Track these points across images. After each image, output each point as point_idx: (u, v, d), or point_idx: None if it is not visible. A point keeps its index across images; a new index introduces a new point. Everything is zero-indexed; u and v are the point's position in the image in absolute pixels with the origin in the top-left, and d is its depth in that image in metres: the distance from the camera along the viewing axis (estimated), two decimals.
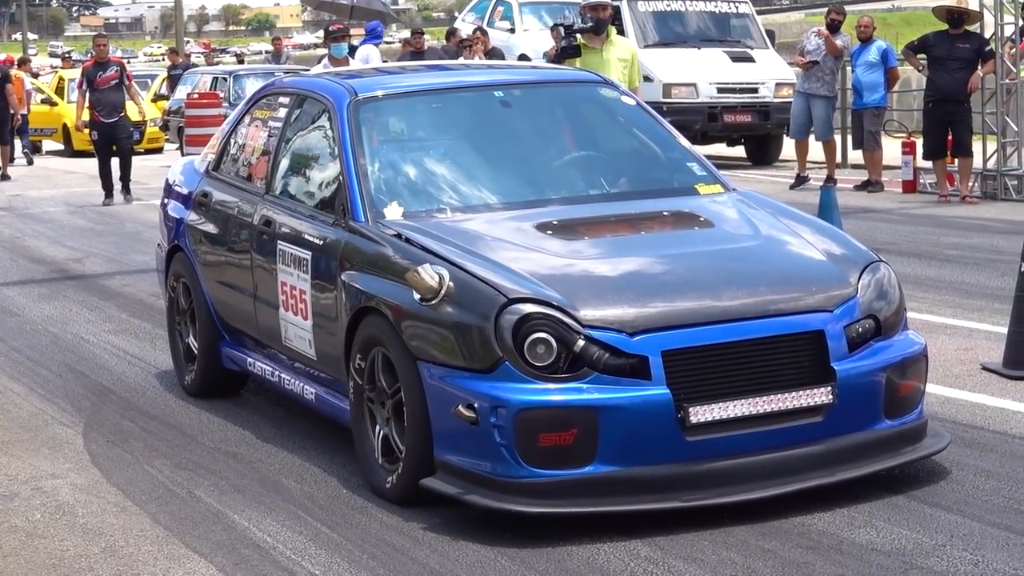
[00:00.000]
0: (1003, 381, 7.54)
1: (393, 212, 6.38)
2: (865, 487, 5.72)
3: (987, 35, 16.26)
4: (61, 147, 28.80)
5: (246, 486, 6.30)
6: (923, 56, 16.21)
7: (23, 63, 31.53)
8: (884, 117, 18.26)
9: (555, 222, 6.31)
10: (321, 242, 6.53)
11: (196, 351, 7.98)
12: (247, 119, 8.02)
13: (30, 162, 27.16)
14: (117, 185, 18.25)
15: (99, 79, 17.97)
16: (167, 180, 8.85)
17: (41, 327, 10.24)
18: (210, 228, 7.83)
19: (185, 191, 8.34)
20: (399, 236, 6.12)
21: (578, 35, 10.85)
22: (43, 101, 30.11)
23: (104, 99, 18.13)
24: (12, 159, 26.17)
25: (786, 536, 5.32)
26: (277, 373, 7.15)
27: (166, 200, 8.66)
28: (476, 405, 5.36)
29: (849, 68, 17.92)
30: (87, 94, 18.48)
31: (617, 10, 17.60)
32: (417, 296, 5.67)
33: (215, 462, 6.71)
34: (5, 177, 24.38)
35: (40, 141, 29.69)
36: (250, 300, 7.32)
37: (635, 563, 5.12)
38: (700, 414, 5.38)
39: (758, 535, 5.32)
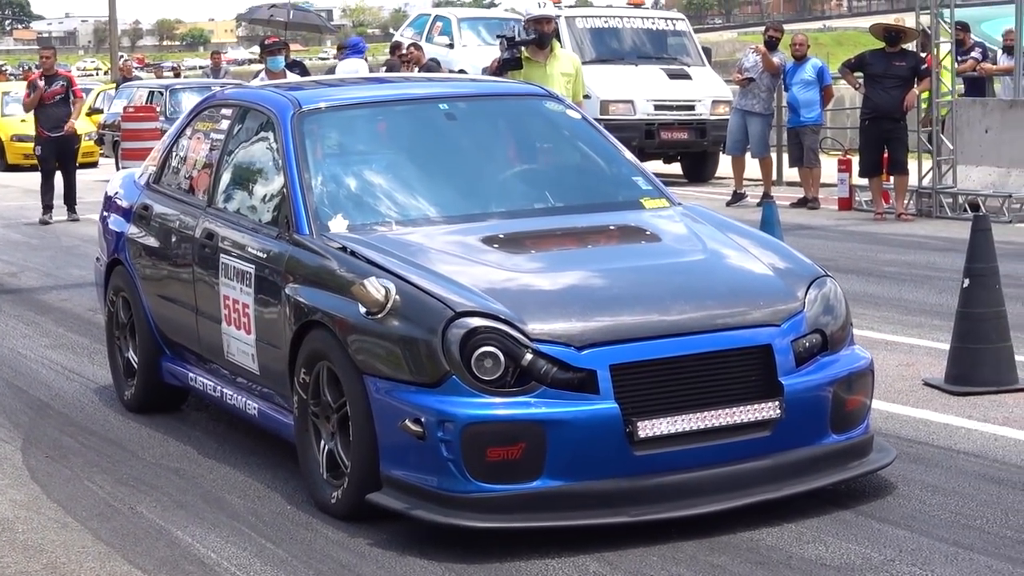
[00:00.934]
0: (946, 396, 7.56)
1: (338, 225, 6.30)
2: (813, 502, 5.70)
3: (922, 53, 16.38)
4: None
5: (189, 502, 6.20)
6: (860, 74, 16.30)
7: None
8: (820, 135, 18.42)
9: (501, 235, 6.26)
10: (264, 255, 6.45)
11: (136, 366, 7.86)
12: (188, 131, 7.92)
13: None
14: (57, 202, 17.73)
15: (46, 93, 17.57)
16: (106, 193, 8.73)
17: None
18: (151, 241, 7.72)
19: (125, 204, 8.23)
20: (344, 249, 6.05)
21: (522, 48, 10.81)
22: None
23: (50, 113, 17.70)
24: None
25: (735, 551, 5.29)
26: (219, 388, 7.05)
27: (106, 213, 8.54)
28: (423, 419, 5.29)
29: (784, 86, 17.94)
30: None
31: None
32: (363, 309, 5.60)
33: (157, 478, 6.60)
34: None
35: None
36: (192, 314, 7.21)
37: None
38: (648, 428, 5.34)
39: (707, 550, 5.28)
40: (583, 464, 5.30)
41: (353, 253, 5.99)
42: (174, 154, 7.96)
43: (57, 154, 17.79)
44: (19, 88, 27.41)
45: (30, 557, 5.54)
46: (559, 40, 11.46)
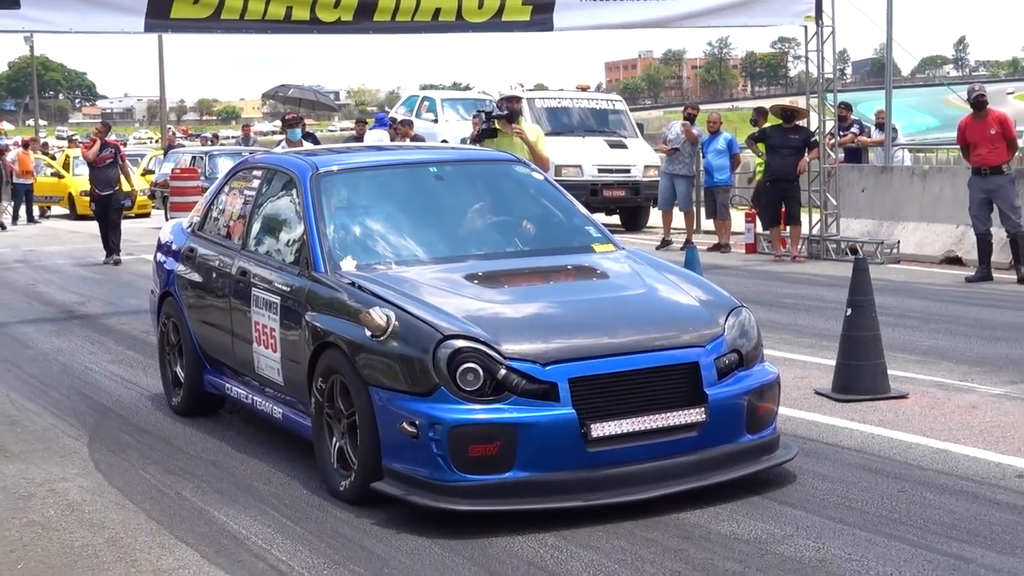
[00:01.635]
0: (833, 403, 7.56)
1: (348, 264, 6.27)
2: (730, 489, 5.68)
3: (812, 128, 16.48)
4: (67, 212, 28.22)
5: (224, 488, 6.13)
6: (762, 144, 16.39)
7: (28, 144, 30.79)
8: (730, 193, 18.53)
9: (480, 273, 6.23)
10: (288, 288, 6.40)
11: (182, 378, 7.78)
12: (226, 189, 7.87)
13: (29, 221, 26.98)
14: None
15: (98, 158, 17.30)
16: (159, 238, 8.66)
17: (52, 357, 9.94)
18: (195, 277, 7.65)
19: (174, 247, 8.15)
20: (353, 284, 6.02)
21: (495, 121, 10.81)
22: (52, 174, 29.60)
23: (100, 175, 17.34)
24: (29, 215, 26.92)
25: (666, 528, 5.27)
26: (250, 396, 6.98)
27: (158, 255, 8.45)
28: (417, 422, 5.26)
29: (701, 154, 18.01)
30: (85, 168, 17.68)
31: None
32: (368, 333, 5.57)
33: (198, 468, 6.53)
34: (2, 228, 24.89)
35: (48, 207, 29.15)
36: (229, 336, 7.15)
37: (544, 550, 5.05)
38: (600, 430, 5.32)
39: (643, 528, 5.26)
40: (546, 458, 5.27)
41: (360, 287, 5.95)
42: (214, 207, 7.90)
43: (105, 211, 17.27)
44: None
45: (95, 533, 5.49)
46: (523, 116, 11.36)
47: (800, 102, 17.19)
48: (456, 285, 6.00)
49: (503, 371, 5.31)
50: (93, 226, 19.01)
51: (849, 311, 7.61)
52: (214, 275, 7.39)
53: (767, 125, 16.59)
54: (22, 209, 27.42)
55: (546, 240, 6.96)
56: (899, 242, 15.84)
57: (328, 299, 6.06)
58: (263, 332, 6.64)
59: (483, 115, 11.49)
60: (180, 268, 7.88)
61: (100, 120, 17.15)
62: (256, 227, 7.17)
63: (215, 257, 7.44)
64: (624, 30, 13.03)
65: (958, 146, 13.86)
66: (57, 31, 11.48)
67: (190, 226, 8.13)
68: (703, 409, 5.53)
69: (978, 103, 12.88)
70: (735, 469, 5.67)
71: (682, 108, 20.95)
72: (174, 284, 7.93)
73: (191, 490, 6.11)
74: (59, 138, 64.50)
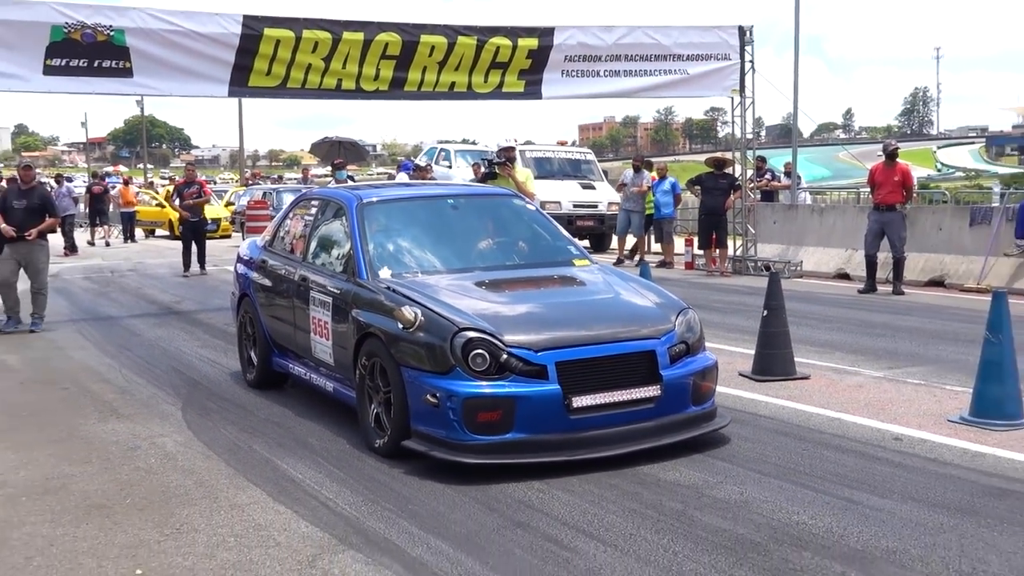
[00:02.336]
0: (752, 382, 7.51)
1: (384, 273, 6.21)
2: (678, 448, 5.63)
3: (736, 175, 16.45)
4: (167, 234, 28.03)
5: (286, 443, 6.08)
6: (698, 187, 16.34)
7: (128, 181, 31.48)
8: (673, 223, 18.47)
9: (486, 281, 6.17)
10: (338, 291, 6.34)
11: (255, 360, 7.70)
12: (291, 215, 7.80)
13: (129, 240, 26.82)
14: (194, 260, 16.83)
15: (186, 193, 17.04)
16: (239, 253, 8.56)
17: (155, 343, 9.82)
18: (267, 282, 7.57)
19: (251, 259, 8.07)
20: (388, 288, 5.96)
21: (495, 166, 10.77)
22: (156, 205, 29.64)
23: (188, 207, 16.89)
24: (128, 236, 26.98)
25: (625, 477, 5.24)
26: (308, 374, 6.91)
27: (238, 265, 8.37)
28: (437, 395, 5.20)
29: (652, 194, 17.92)
30: (176, 200, 17.46)
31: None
32: (400, 326, 5.52)
33: (266, 428, 6.47)
34: (107, 244, 25.15)
35: (153, 230, 29.16)
36: (292, 327, 7.08)
37: (531, 492, 5.02)
38: (579, 401, 5.28)
39: (609, 477, 5.23)
40: (537, 423, 5.22)
41: (393, 290, 5.90)
42: (281, 229, 7.82)
43: (192, 233, 16.92)
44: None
45: (186, 476, 5.50)
46: (517, 161, 11.32)
47: (727, 155, 17.11)
48: (467, 290, 5.94)
49: (505, 356, 5.26)
50: None
51: (765, 312, 7.55)
52: (281, 281, 7.31)
53: (702, 172, 16.55)
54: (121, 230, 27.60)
55: (536, 256, 6.90)
56: (802, 262, 15.81)
57: (369, 300, 6.00)
58: (319, 325, 6.57)
59: (486, 162, 11.31)
60: (255, 275, 7.81)
61: (186, 164, 16.96)
62: (313, 244, 7.11)
63: (282, 267, 7.37)
64: (595, 99, 12.82)
65: (868, 185, 13.75)
66: (160, 95, 11.38)
67: (263, 243, 8.05)
68: (659, 386, 5.49)
69: (891, 155, 12.85)
70: (683, 432, 5.63)
71: (631, 160, 20.96)
72: (250, 287, 7.85)
73: (260, 444, 6.07)
74: (162, 178, 64.34)
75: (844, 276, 14.96)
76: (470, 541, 4.43)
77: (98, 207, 25.63)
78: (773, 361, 7.58)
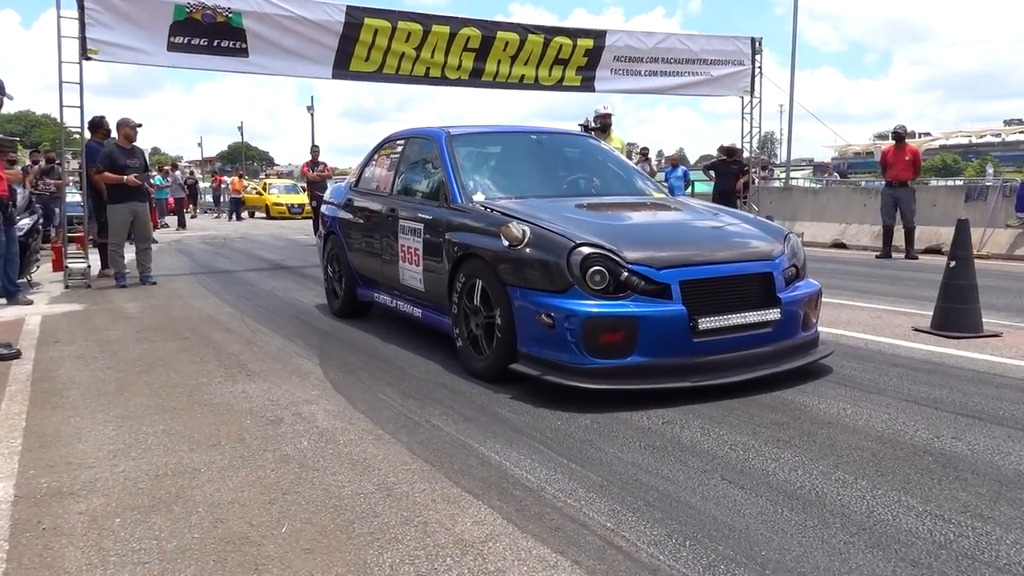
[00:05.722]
0: (938, 338, 5.27)
1: (479, 197, 4.74)
2: (802, 373, 4.17)
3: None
4: (264, 216, 27.48)
5: (472, 415, 3.70)
6: (712, 172, 14.93)
7: (241, 175, 32.05)
8: None
9: (585, 204, 4.67)
10: (431, 218, 4.87)
11: (339, 292, 6.27)
12: (375, 157, 6.31)
13: (235, 219, 26.32)
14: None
15: (316, 171, 14.96)
16: (325, 196, 7.11)
17: (271, 293, 7.87)
18: (353, 217, 6.10)
19: (336, 200, 6.60)
20: (487, 209, 4.49)
21: (592, 132, 9.26)
22: (256, 193, 29.64)
23: (316, 185, 14.67)
24: (235, 214, 26.77)
25: (753, 403, 3.73)
26: (395, 302, 5.45)
27: (324, 207, 6.89)
28: (553, 315, 3.73)
29: (665, 179, 16.54)
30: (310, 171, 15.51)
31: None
32: (506, 243, 4.04)
33: (432, 392, 4.09)
34: (223, 217, 25.30)
35: (253, 212, 28.85)
36: (378, 259, 5.62)
37: (649, 420, 3.54)
38: (704, 323, 3.80)
39: (741, 403, 3.73)
40: (660, 346, 3.74)
41: (493, 211, 4.43)
42: (366, 170, 6.35)
43: (318, 201, 15.07)
44: (275, 182, 31.43)
45: (360, 474, 3.02)
46: (612, 127, 9.78)
47: (738, 145, 15.68)
48: (569, 210, 4.44)
49: (625, 273, 3.79)
50: (281, 223, 18.84)
51: (952, 263, 5.46)
52: (368, 215, 5.83)
53: (715, 160, 15.18)
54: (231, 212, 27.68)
55: (617, 187, 5.40)
56: (803, 232, 14.33)
57: (466, 222, 4.53)
58: (408, 252, 5.12)
59: (582, 128, 9.64)
60: (341, 213, 6.34)
61: (312, 146, 15.48)
62: (401, 179, 5.63)
63: (369, 203, 5.90)
64: (638, 94, 12.39)
65: (880, 165, 12.47)
66: (271, 74, 10.01)
67: (348, 185, 6.59)
68: (779, 310, 4.02)
69: (899, 137, 11.70)
70: (797, 359, 4.16)
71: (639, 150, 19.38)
72: (336, 225, 6.37)
73: (440, 417, 3.67)
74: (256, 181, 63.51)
75: (840, 245, 13.56)
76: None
77: (216, 194, 29.33)
78: (960, 316, 5.42)
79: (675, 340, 3.74)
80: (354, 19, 10.14)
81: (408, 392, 4.10)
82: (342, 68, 10.20)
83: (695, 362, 3.80)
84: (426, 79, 10.85)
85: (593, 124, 9.38)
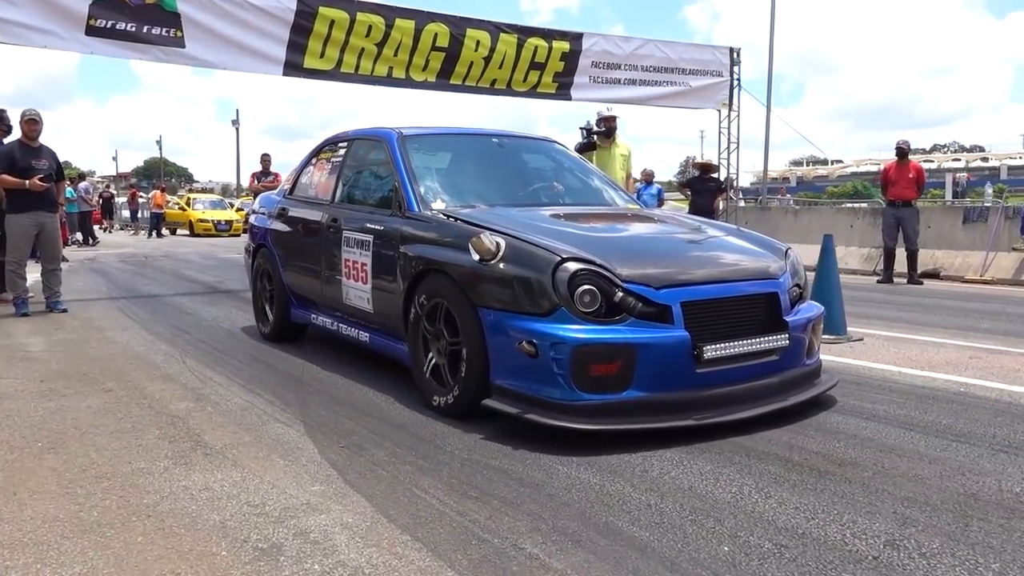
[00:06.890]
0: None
1: (439, 205, 4.13)
2: (811, 407, 3.70)
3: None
4: (187, 233, 25.90)
5: (561, 541, 2.30)
6: (688, 189, 14.66)
7: (163, 189, 29.53)
8: None
9: (562, 214, 4.11)
10: (382, 228, 4.23)
11: (270, 313, 5.55)
12: (313, 161, 5.63)
13: (155, 236, 24.70)
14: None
15: (264, 180, 14.11)
16: (252, 207, 6.35)
17: (214, 323, 6.43)
18: (287, 229, 5.40)
19: (267, 210, 5.86)
20: (451, 218, 3.88)
21: (595, 136, 8.54)
22: (179, 208, 27.87)
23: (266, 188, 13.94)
24: (155, 231, 25.25)
25: (750, 447, 3.22)
26: (336, 324, 4.77)
27: (251, 218, 6.16)
28: (536, 342, 3.14)
29: (638, 196, 16.33)
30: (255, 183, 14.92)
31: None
32: (477, 257, 3.44)
33: (494, 487, 2.78)
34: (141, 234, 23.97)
35: (175, 229, 27.31)
36: (316, 276, 4.94)
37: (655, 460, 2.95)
38: (711, 351, 3.27)
39: (739, 444, 3.22)
40: (661, 379, 3.20)
41: (459, 220, 3.83)
42: (303, 176, 5.66)
43: None
44: (200, 196, 29.44)
45: None
46: (617, 132, 8.82)
47: (712, 161, 15.49)
48: (545, 220, 3.88)
49: (620, 294, 3.24)
50: (208, 240, 17.14)
51: None
52: (305, 226, 5.15)
53: (691, 176, 14.96)
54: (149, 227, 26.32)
55: (588, 196, 4.87)
56: None
57: (425, 233, 3.92)
58: (353, 268, 4.46)
59: (584, 131, 8.75)
60: (272, 224, 5.62)
61: (263, 155, 14.22)
62: (344, 185, 4.97)
63: (305, 212, 5.21)
64: (615, 104, 11.46)
65: (881, 183, 11.88)
66: (213, 67, 8.76)
67: (280, 193, 5.88)
68: (786, 335, 3.54)
69: (902, 153, 11.04)
70: (804, 391, 3.68)
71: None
72: (267, 238, 5.66)
73: (535, 545, 2.29)
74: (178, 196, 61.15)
75: None
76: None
77: (132, 208, 28.31)
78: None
79: (677, 371, 3.20)
80: (307, 7, 9.13)
81: (461, 490, 2.69)
82: (295, 66, 9.18)
83: (697, 396, 3.27)
84: (389, 80, 9.90)
85: (596, 128, 8.56)
